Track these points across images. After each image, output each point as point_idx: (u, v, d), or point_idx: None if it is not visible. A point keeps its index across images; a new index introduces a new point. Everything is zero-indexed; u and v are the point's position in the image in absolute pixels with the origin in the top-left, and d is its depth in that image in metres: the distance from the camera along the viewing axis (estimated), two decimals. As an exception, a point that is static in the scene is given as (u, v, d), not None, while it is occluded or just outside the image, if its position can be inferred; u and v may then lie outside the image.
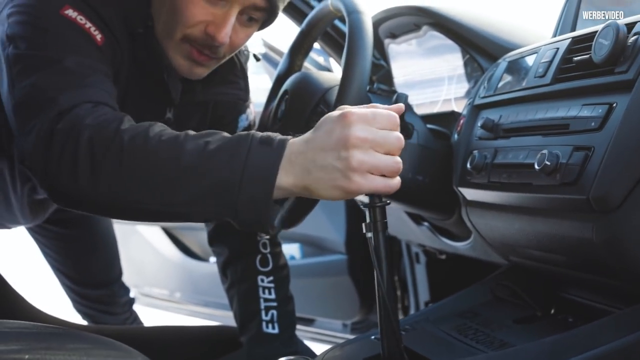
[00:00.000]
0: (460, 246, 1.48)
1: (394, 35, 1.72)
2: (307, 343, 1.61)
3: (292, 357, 0.82)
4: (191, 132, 0.94)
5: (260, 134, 0.93)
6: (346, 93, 1.19)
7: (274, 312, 1.45)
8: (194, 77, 1.24)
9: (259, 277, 1.48)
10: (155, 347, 1.33)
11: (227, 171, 0.89)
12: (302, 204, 1.26)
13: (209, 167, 0.90)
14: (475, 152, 1.23)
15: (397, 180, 0.91)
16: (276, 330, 1.44)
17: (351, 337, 2.05)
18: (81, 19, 1.07)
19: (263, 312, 1.44)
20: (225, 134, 0.94)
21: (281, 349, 1.42)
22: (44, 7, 1.06)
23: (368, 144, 0.88)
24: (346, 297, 2.21)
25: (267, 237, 1.50)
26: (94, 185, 0.91)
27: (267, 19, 1.21)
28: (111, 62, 1.12)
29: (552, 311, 1.22)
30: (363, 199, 0.94)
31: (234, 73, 1.37)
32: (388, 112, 0.92)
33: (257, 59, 1.45)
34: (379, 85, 1.66)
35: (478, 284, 1.32)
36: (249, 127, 1.46)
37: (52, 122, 0.93)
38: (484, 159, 1.19)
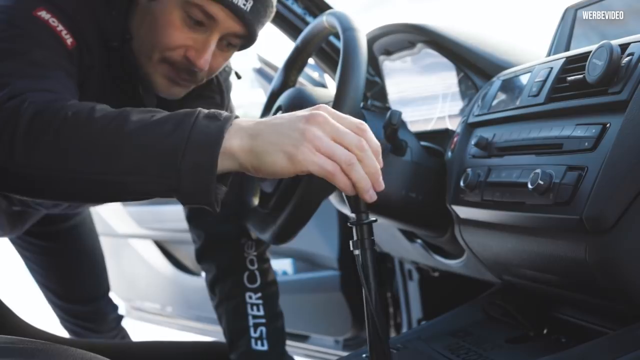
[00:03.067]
0: (453, 264, 1.47)
1: (388, 52, 1.73)
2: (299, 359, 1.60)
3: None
4: (139, 109, 0.92)
5: (207, 110, 0.90)
6: (340, 109, 1.19)
7: (263, 328, 1.43)
8: (171, 97, 1.24)
9: (247, 294, 1.47)
10: None
11: (171, 139, 0.86)
12: (295, 219, 1.25)
13: (153, 135, 0.86)
14: (469, 170, 1.23)
15: (344, 179, 0.87)
16: (265, 347, 1.43)
17: (343, 354, 2.04)
18: (53, 22, 1.08)
19: (252, 329, 1.43)
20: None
21: None
22: (18, 6, 1.07)
23: (329, 127, 0.86)
24: (338, 314, 2.20)
25: (255, 253, 1.50)
26: (28, 156, 0.87)
27: (245, 43, 1.22)
28: (79, 67, 1.12)
29: (545, 331, 1.21)
30: (350, 215, 0.94)
31: (210, 89, 1.37)
32: (358, 120, 0.90)
33: (239, 77, 1.45)
34: (373, 101, 1.66)
35: (470, 302, 1.32)
36: None
37: (1, 101, 0.91)
38: (478, 177, 1.19)
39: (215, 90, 1.39)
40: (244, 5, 1.14)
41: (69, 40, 1.10)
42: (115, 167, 0.86)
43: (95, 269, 2.03)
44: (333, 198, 1.50)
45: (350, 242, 0.94)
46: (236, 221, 1.45)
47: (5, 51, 1.01)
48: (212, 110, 0.91)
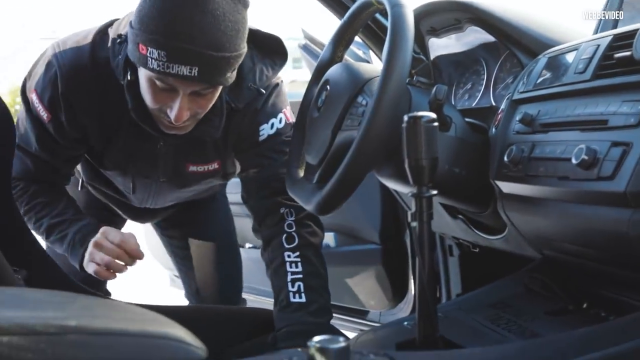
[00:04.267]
0: (494, 239, 1.49)
1: (434, 30, 1.74)
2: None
3: (326, 337, 0.84)
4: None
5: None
6: (387, 84, 1.21)
7: (300, 283, 1.49)
8: (179, 134, 1.47)
9: (286, 254, 1.53)
10: (191, 325, 1.37)
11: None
12: (339, 191, 1.28)
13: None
14: (513, 145, 1.24)
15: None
16: (303, 300, 1.47)
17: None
18: (37, 103, 1.49)
19: (290, 284, 1.49)
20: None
21: (305, 317, 1.45)
22: (22, 97, 1.55)
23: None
24: (379, 287, 2.24)
25: (293, 218, 1.56)
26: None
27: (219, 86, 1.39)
28: (67, 129, 1.50)
29: (585, 305, 1.23)
30: (411, 188, 0.97)
31: (212, 112, 1.47)
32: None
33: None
34: (419, 78, 1.68)
35: (511, 276, 1.34)
36: (275, 135, 1.57)
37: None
38: (521, 152, 1.21)
39: (216, 114, 1.49)
40: (190, 72, 1.28)
41: (45, 115, 1.48)
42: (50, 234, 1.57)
43: (227, 261, 2.12)
44: (384, 172, 1.50)
45: (409, 214, 0.97)
46: (275, 196, 1.56)
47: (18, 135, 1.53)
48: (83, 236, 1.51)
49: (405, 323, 1.17)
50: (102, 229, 1.48)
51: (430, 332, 0.96)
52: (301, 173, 1.50)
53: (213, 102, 1.41)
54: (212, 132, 1.51)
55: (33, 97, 1.49)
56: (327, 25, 1.92)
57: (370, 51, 2.02)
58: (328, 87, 1.43)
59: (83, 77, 1.45)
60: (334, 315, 2.34)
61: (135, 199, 1.77)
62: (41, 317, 0.71)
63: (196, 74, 1.28)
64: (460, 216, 1.60)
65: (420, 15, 1.72)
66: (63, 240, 1.53)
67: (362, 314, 2.37)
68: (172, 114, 1.35)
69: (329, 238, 2.38)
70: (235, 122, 1.54)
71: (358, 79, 1.38)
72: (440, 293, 2.01)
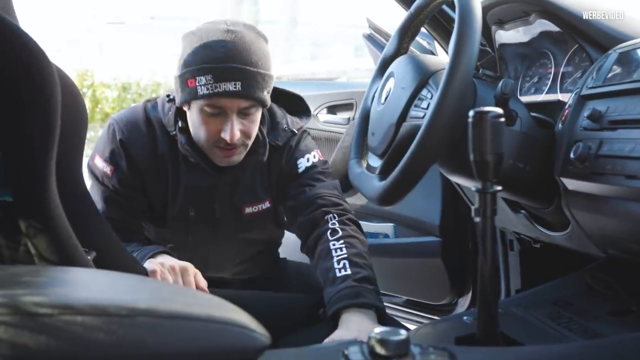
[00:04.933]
0: (557, 236, 1.47)
1: (501, 22, 1.72)
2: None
3: (386, 329, 0.85)
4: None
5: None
6: (453, 77, 1.21)
7: (346, 261, 1.51)
8: (233, 164, 1.64)
9: (331, 243, 1.57)
10: (253, 311, 1.40)
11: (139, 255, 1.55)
12: (402, 183, 1.29)
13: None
14: (580, 142, 1.22)
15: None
16: (348, 272, 1.49)
17: (438, 319, 2.07)
18: (100, 163, 1.66)
19: (335, 263, 1.52)
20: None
21: (350, 283, 1.46)
22: (90, 159, 1.68)
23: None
24: (437, 280, 2.23)
25: (336, 219, 1.61)
26: None
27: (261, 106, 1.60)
28: (128, 176, 1.66)
29: (649, 307, 1.21)
30: (476, 183, 0.97)
31: (257, 144, 1.67)
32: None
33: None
34: (484, 71, 1.67)
35: (573, 274, 1.32)
36: (312, 167, 1.72)
37: None
38: (588, 149, 1.19)
39: (260, 145, 1.68)
40: (235, 87, 1.51)
41: (108, 169, 1.65)
42: None
43: None
44: (448, 166, 1.49)
45: (472, 209, 0.97)
46: (320, 208, 1.65)
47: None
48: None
49: (465, 318, 1.17)
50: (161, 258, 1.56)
51: (491, 328, 0.96)
52: (363, 164, 1.51)
53: (257, 124, 1.61)
54: (259, 160, 1.69)
55: (96, 161, 1.67)
56: (392, 14, 1.92)
57: (436, 42, 2.01)
58: (393, 79, 1.44)
59: (138, 129, 1.67)
60: (389, 305, 2.35)
61: (195, 256, 1.77)
62: (113, 299, 0.74)
63: (240, 89, 1.51)
64: (523, 211, 1.59)
65: (488, 6, 1.70)
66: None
67: (419, 306, 2.37)
68: (227, 135, 1.54)
69: (387, 229, 2.39)
70: (275, 160, 1.73)
71: (423, 71, 1.38)
72: (499, 288, 2.00)
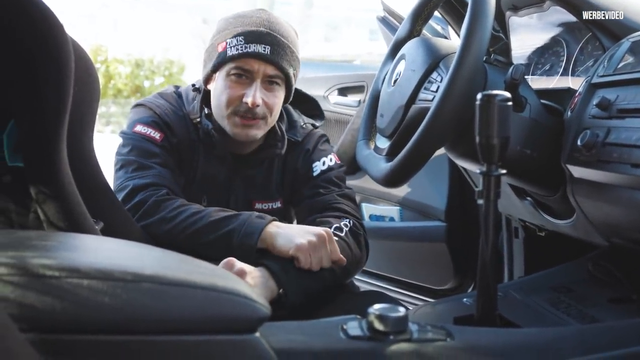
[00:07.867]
0: (561, 224, 1.48)
1: (515, 8, 1.71)
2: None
3: (386, 306, 0.87)
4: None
5: (257, 213, 1.49)
6: (463, 61, 1.22)
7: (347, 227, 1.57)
8: (250, 139, 1.63)
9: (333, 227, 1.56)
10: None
11: (232, 226, 1.46)
12: (408, 165, 1.30)
13: (224, 224, 1.46)
14: (588, 130, 1.23)
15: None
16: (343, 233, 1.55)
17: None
18: (145, 130, 1.61)
19: (329, 218, 1.59)
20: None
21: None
22: (127, 130, 1.64)
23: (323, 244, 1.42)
24: (440, 264, 2.24)
25: (349, 223, 1.60)
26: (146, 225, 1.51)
27: (287, 83, 1.63)
28: (171, 150, 1.63)
29: (649, 296, 1.21)
30: (481, 167, 0.97)
31: (275, 138, 1.70)
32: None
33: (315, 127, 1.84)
34: (496, 56, 1.67)
35: (575, 261, 1.33)
36: (327, 170, 1.72)
37: (128, 197, 1.54)
38: (596, 137, 1.19)
39: (278, 139, 1.70)
40: (264, 50, 1.55)
41: (157, 135, 1.61)
42: (198, 241, 1.47)
43: None
44: (455, 149, 1.49)
45: (476, 191, 0.98)
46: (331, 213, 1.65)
47: (125, 162, 1.59)
48: (261, 214, 1.49)
49: (465, 299, 1.18)
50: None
51: (489, 309, 0.97)
52: (371, 145, 1.52)
53: (280, 102, 1.63)
54: (277, 153, 1.71)
55: (138, 128, 1.63)
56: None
57: (449, 27, 2.01)
58: (404, 61, 1.44)
59: (165, 109, 1.67)
60: (393, 288, 2.36)
61: None
62: (119, 265, 0.76)
63: (269, 53, 1.55)
64: (529, 198, 1.59)
65: (503, -8, 1.70)
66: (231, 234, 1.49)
67: (422, 290, 2.38)
68: (249, 98, 1.55)
69: (393, 212, 2.40)
70: (292, 159, 1.74)
71: (434, 54, 1.38)
72: (502, 274, 2.01)
